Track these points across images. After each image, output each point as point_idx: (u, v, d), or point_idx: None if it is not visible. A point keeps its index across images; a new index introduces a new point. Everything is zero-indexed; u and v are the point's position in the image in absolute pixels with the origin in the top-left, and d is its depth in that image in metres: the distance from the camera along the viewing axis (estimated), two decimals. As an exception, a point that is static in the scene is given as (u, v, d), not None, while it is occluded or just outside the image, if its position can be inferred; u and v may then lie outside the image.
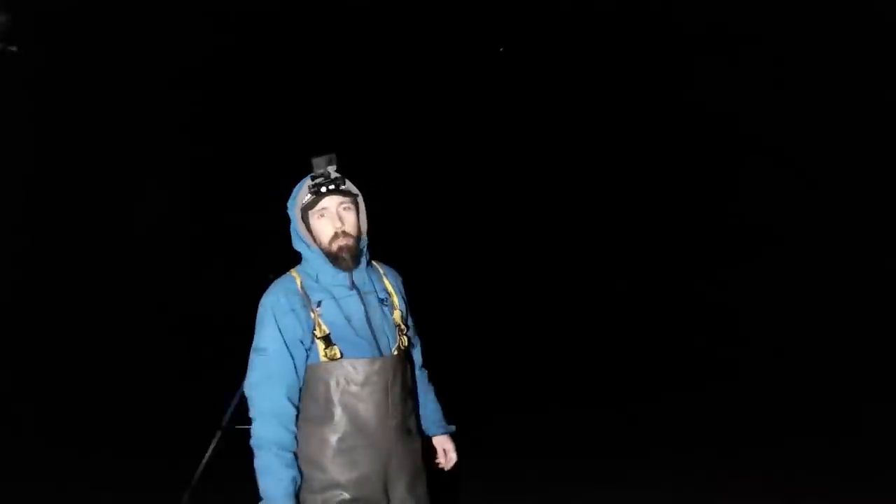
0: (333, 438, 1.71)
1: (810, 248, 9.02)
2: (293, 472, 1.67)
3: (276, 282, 1.80)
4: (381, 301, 1.84)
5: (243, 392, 1.79)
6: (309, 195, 1.76)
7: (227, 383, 3.46)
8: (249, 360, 1.73)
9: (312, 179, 1.76)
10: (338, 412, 1.71)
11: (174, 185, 9.06)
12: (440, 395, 2.12)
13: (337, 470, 1.70)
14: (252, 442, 1.68)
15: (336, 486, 1.69)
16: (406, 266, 2.05)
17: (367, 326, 1.77)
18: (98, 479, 4.25)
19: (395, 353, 1.79)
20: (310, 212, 1.77)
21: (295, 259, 1.86)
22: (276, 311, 1.72)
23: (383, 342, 1.78)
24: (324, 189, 1.74)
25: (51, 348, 7.42)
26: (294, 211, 1.81)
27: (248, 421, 1.70)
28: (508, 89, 10.61)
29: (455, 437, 2.09)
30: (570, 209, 11.19)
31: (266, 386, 1.69)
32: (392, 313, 1.85)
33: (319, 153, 1.76)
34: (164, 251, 8.96)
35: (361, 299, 1.79)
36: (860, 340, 7.09)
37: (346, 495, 1.69)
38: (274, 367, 1.70)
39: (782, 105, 9.11)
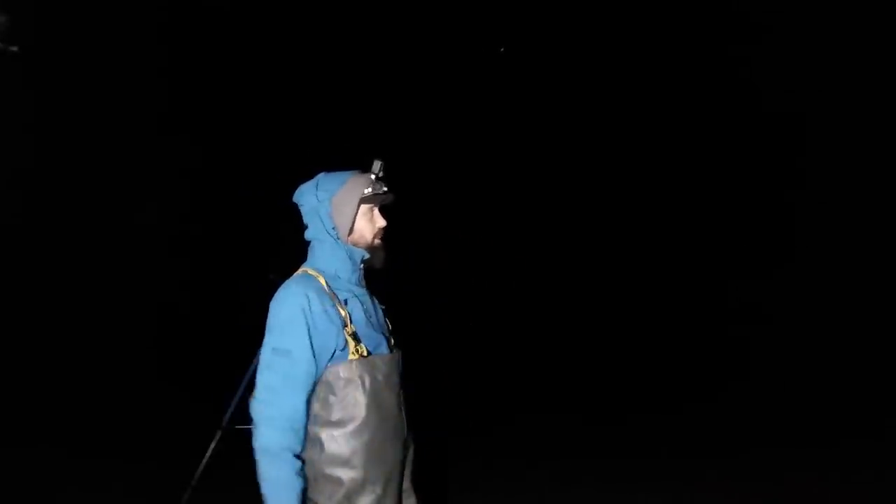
0: (365, 435, 1.67)
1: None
2: (303, 482, 1.63)
3: (295, 280, 1.72)
4: (375, 301, 1.89)
5: (244, 392, 1.76)
6: (371, 189, 1.76)
7: (227, 383, 3.46)
8: (265, 360, 1.64)
9: (374, 176, 1.78)
10: (368, 409, 1.67)
11: (168, 186, 8.98)
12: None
13: (370, 467, 1.67)
14: (260, 448, 1.60)
15: (366, 483, 1.66)
16: (409, 268, 2.05)
17: (379, 324, 1.82)
18: (98, 481, 4.25)
19: (396, 348, 1.86)
20: (366, 205, 1.77)
21: (301, 257, 1.83)
22: (307, 312, 1.64)
23: (388, 339, 1.83)
24: (386, 188, 1.79)
25: (47, 349, 7.41)
26: (331, 201, 1.75)
27: (249, 421, 1.64)
28: (503, 91, 10.58)
29: (469, 437, 2.08)
30: (593, 214, 11.14)
31: (287, 391, 1.61)
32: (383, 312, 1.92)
33: (319, 154, 1.76)
34: (163, 252, 8.95)
35: (370, 297, 1.84)
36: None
37: (378, 490, 1.68)
38: (298, 371, 1.62)
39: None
